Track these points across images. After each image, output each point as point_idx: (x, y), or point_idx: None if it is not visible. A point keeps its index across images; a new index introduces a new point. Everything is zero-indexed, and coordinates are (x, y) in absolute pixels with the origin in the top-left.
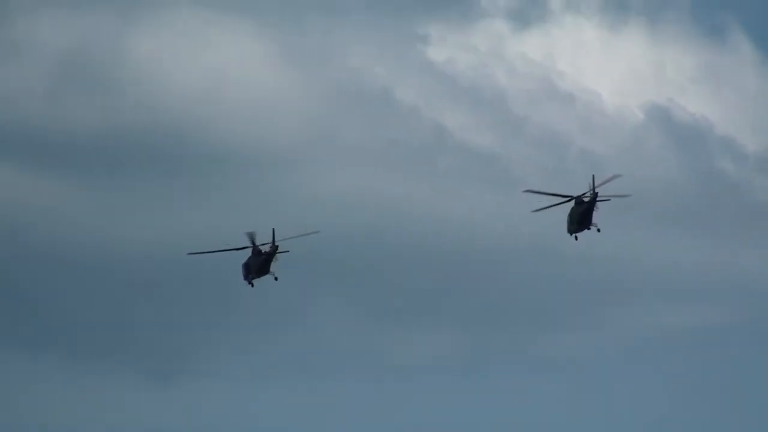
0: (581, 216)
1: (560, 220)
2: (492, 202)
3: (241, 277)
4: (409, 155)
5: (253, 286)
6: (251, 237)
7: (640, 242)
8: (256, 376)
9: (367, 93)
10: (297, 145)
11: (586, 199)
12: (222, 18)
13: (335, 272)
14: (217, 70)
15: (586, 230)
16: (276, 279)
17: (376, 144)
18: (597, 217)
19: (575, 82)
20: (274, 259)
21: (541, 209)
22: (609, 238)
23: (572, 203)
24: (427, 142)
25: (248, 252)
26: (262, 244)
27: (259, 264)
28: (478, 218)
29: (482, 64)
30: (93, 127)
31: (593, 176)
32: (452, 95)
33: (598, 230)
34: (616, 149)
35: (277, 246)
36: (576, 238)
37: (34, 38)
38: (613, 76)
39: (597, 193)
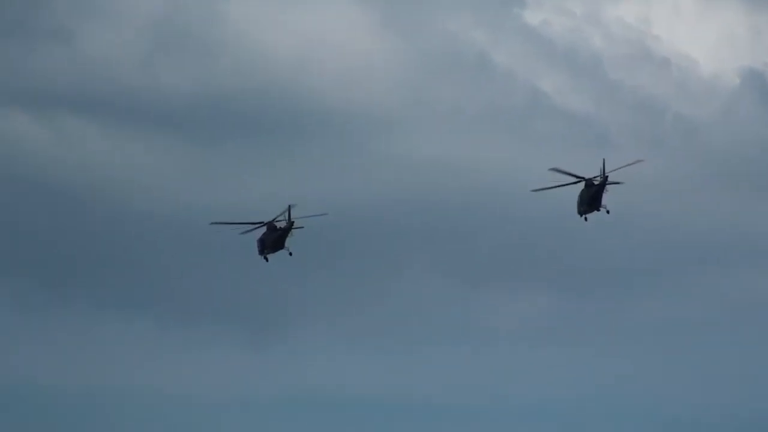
0: (591, 198)
1: (660, 183)
2: (587, 165)
3: (257, 251)
4: (505, 118)
5: (267, 260)
6: (288, 210)
7: (734, 207)
8: (348, 340)
9: (463, 57)
10: (393, 109)
11: (596, 182)
12: None
13: (430, 236)
14: (313, 35)
15: (595, 212)
16: (291, 254)
17: (472, 108)
18: (605, 198)
19: (671, 46)
20: (289, 235)
21: (541, 189)
22: (699, 204)
23: (581, 185)
24: (523, 105)
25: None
26: (278, 220)
27: (274, 239)
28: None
29: (578, 28)
30: (188, 91)
31: (604, 160)
32: (548, 59)
33: (608, 212)
34: (712, 114)
35: (293, 222)
36: (585, 219)
37: (129, 3)
38: (708, 41)
39: (607, 177)
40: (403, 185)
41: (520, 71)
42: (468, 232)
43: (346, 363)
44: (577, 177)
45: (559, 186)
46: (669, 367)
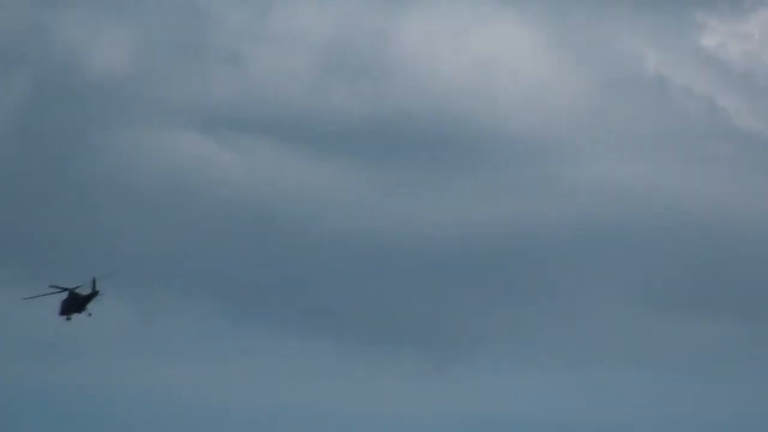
0: (78, 305)
1: None
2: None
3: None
4: (682, 141)
5: (69, 319)
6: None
7: None
8: (528, 364)
9: (639, 79)
10: (568, 132)
11: (82, 293)
12: (488, 4)
13: (607, 259)
14: (484, 58)
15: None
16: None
17: (648, 130)
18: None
19: None
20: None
21: (31, 298)
22: None
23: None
24: (701, 127)
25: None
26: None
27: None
28: (752, 205)
29: (756, 51)
30: (358, 114)
31: (94, 278)
32: (725, 81)
33: (89, 314)
34: None
35: (98, 291)
36: (69, 318)
37: (299, 26)
38: None
39: (98, 291)
40: (579, 209)
41: (696, 93)
42: (647, 256)
43: (528, 386)
44: (63, 288)
45: (49, 294)
46: None
